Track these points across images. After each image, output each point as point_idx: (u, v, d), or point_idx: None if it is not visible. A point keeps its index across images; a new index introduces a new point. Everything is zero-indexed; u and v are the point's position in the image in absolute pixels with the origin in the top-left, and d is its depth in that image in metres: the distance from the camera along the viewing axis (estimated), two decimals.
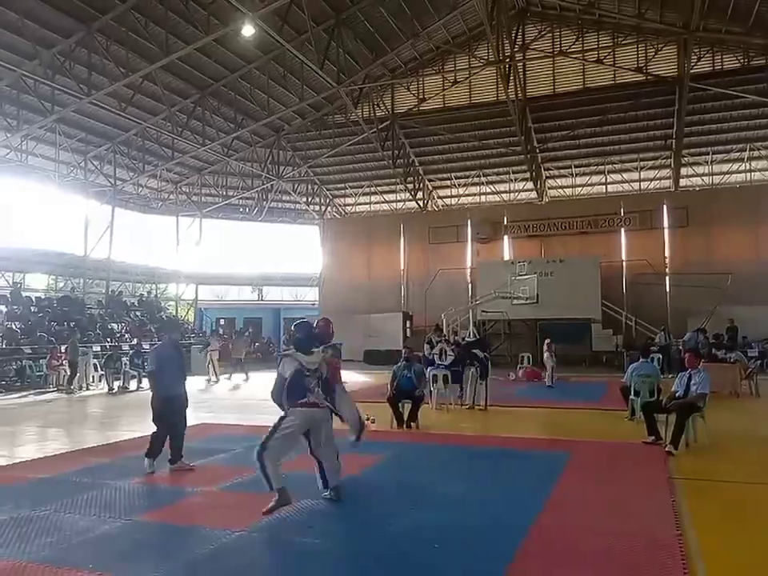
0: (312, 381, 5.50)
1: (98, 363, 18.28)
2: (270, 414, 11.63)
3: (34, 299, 23.51)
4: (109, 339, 21.70)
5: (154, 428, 6.96)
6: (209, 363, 19.44)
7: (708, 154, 25.56)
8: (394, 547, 4.53)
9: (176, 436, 6.93)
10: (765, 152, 24.90)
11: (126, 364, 17.23)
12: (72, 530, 4.91)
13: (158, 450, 6.85)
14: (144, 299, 28.78)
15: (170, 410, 6.92)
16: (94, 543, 4.65)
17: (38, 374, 18.01)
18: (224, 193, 30.70)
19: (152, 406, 6.97)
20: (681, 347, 17.50)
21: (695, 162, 25.87)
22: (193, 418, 10.59)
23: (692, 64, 20.56)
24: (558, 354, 23.80)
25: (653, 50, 22.24)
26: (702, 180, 26.37)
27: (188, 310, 32.41)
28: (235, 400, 14.96)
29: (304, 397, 5.43)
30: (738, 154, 25.25)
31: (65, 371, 17.27)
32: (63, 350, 18.08)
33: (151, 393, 7.13)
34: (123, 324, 24.29)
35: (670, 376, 11.89)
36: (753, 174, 25.66)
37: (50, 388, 17.10)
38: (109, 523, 5.06)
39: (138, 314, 26.46)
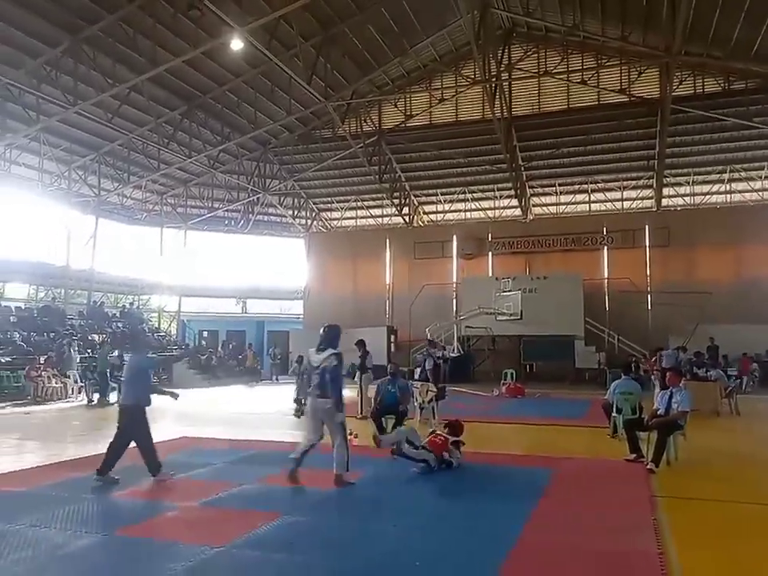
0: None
1: (77, 374, 18.07)
2: (251, 429, 11.52)
3: (13, 309, 23.18)
4: (89, 350, 21.42)
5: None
6: None
7: (689, 175, 26.01)
8: (374, 564, 4.49)
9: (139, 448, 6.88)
10: (744, 173, 25.40)
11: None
12: (47, 545, 4.80)
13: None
14: (126, 310, 28.48)
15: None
16: (69, 559, 4.55)
17: (15, 384, 17.70)
18: (210, 205, 30.67)
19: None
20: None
21: (677, 182, 26.29)
22: (172, 431, 10.53)
23: (674, 87, 20.94)
24: (542, 371, 24.10)
25: (636, 72, 22.69)
26: (684, 200, 26.80)
27: (171, 321, 32.11)
28: (216, 413, 14.80)
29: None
30: (719, 175, 25.73)
31: (42, 382, 17.01)
32: (42, 361, 17.83)
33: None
34: (104, 335, 23.98)
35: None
36: (732, 195, 26.12)
37: (27, 399, 16.81)
38: (85, 538, 4.96)
39: (119, 325, 26.17)
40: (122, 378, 7.06)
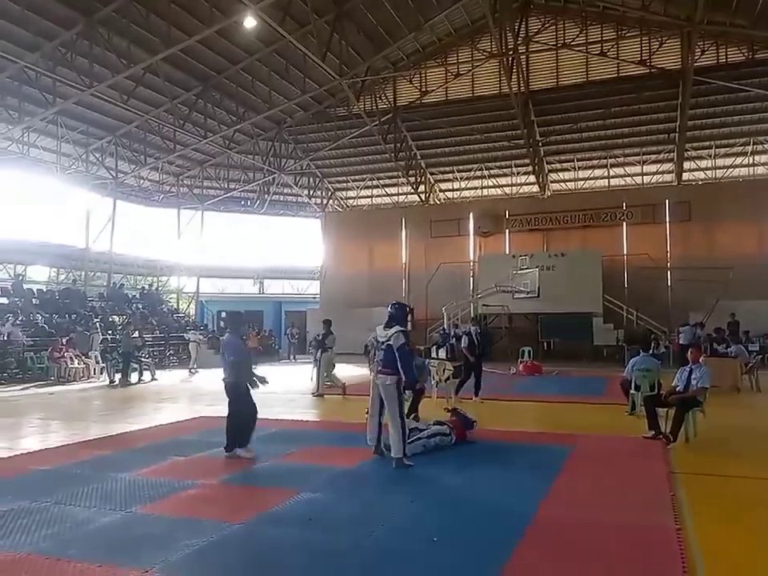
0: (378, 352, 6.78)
1: (98, 355, 18.39)
2: (267, 408, 11.67)
3: (35, 291, 23.55)
4: (110, 331, 21.74)
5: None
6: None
7: (711, 148, 25.49)
8: (393, 540, 4.53)
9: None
10: None
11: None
12: (72, 521, 4.91)
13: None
14: (145, 292, 28.80)
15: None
16: (93, 535, 4.65)
17: (39, 366, 18.04)
18: (226, 185, 30.75)
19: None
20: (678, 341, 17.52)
21: (698, 156, 25.79)
22: (191, 411, 10.68)
23: (696, 57, 20.45)
24: (559, 348, 23.98)
25: (656, 42, 22.16)
26: (705, 174, 26.30)
27: (189, 302, 32.43)
28: None
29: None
30: (742, 148, 25.18)
31: (65, 363, 17.31)
32: (65, 342, 18.12)
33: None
34: (125, 316, 24.30)
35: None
36: (756, 168, 25.58)
37: (50, 380, 17.13)
38: (109, 515, 5.07)
39: (139, 306, 26.48)
40: (224, 358, 7.42)
